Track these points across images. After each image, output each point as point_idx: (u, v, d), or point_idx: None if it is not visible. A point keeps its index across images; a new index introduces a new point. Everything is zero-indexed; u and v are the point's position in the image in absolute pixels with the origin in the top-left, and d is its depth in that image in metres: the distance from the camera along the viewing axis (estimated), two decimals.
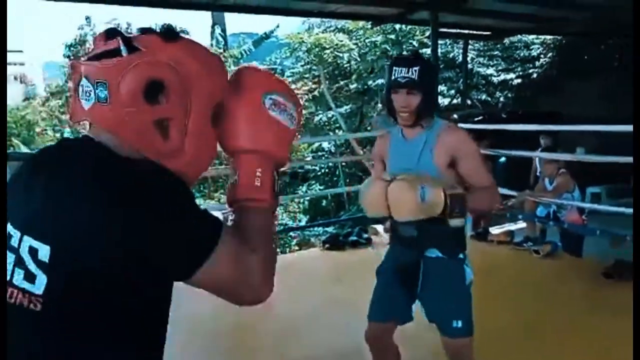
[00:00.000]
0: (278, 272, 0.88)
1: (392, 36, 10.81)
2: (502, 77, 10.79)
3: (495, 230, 4.91)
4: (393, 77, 1.76)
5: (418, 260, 1.82)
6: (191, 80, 0.80)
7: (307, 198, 9.59)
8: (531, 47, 10.98)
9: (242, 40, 12.99)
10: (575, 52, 10.45)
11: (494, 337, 2.69)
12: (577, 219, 4.48)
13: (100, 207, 0.73)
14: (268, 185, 0.89)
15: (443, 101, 9.38)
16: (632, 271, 3.51)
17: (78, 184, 0.76)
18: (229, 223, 0.93)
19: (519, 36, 10.42)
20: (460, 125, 4.97)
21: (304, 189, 10.02)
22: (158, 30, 0.82)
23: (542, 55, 10.92)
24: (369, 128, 9.89)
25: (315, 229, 8.05)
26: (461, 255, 1.83)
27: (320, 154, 10.75)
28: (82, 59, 0.81)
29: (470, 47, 9.63)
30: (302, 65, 11.92)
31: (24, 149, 9.56)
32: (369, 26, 9.81)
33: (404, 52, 10.76)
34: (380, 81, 10.20)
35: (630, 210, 5.57)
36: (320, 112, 11.39)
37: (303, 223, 8.99)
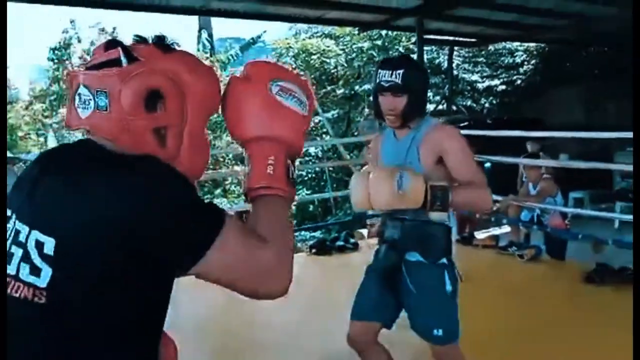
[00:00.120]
0: None
1: (379, 42, 10.89)
2: (487, 83, 10.92)
3: (480, 234, 4.96)
4: (378, 80, 1.76)
5: (399, 263, 1.79)
6: (187, 90, 0.83)
7: (294, 203, 9.57)
8: (515, 54, 11.13)
9: (229, 45, 12.98)
10: (558, 60, 10.63)
11: (478, 340, 2.71)
12: (560, 224, 4.56)
13: (102, 200, 0.75)
14: (282, 173, 0.87)
15: (429, 107, 9.45)
16: (612, 275, 3.58)
17: (81, 179, 0.78)
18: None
19: (503, 43, 10.57)
20: None
21: None
22: (152, 39, 0.85)
23: (525, 62, 11.08)
24: (355, 133, 9.94)
25: (302, 233, 8.04)
26: (444, 261, 1.79)
27: (307, 159, 10.75)
28: (81, 68, 0.84)
29: (455, 53, 9.74)
30: None
31: (7, 154, 9.41)
32: (356, 32, 9.88)
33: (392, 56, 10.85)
34: (367, 87, 10.25)
35: (611, 215, 5.68)
36: None
37: None
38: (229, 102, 0.90)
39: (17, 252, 0.78)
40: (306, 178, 10.34)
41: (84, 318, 0.75)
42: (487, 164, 6.40)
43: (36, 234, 0.77)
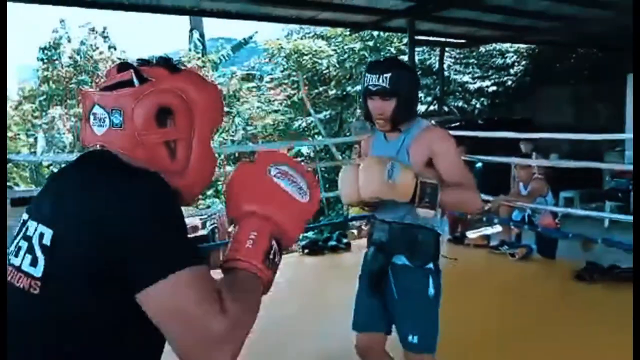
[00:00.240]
0: None
1: (370, 43, 10.91)
2: (478, 84, 10.98)
3: (471, 234, 4.99)
4: (366, 84, 1.75)
5: (386, 266, 1.78)
6: (194, 106, 0.90)
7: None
8: (506, 56, 11.21)
9: (221, 45, 12.95)
10: (548, 61, 10.72)
11: (470, 338, 2.73)
12: (550, 223, 4.60)
13: (95, 201, 0.80)
14: (261, 250, 0.86)
15: (420, 108, 9.49)
16: (602, 273, 3.62)
17: (85, 181, 0.85)
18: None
19: (494, 44, 10.64)
20: None
21: None
22: (157, 60, 0.93)
23: (516, 64, 11.16)
24: (347, 134, 9.96)
25: None
26: (430, 265, 1.76)
27: (299, 159, 10.76)
28: (95, 89, 0.92)
29: (446, 55, 9.79)
30: (281, 71, 11.93)
31: None
32: (348, 33, 9.89)
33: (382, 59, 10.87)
34: (358, 87, 10.26)
35: (601, 214, 5.74)
36: (299, 117, 11.41)
37: None
38: (231, 181, 0.94)
39: (24, 245, 0.84)
40: None
41: (72, 311, 0.79)
42: (479, 164, 6.45)
43: (41, 227, 0.83)
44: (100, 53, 11.27)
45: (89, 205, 0.80)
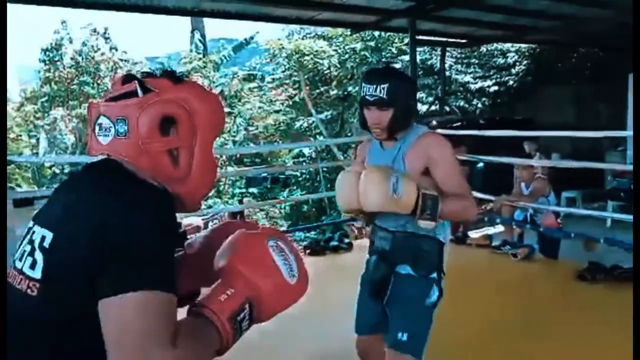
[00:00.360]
0: None
1: (372, 43, 10.91)
2: (480, 84, 10.97)
3: (474, 234, 4.99)
4: (363, 94, 1.73)
5: (389, 275, 1.76)
6: (196, 115, 0.93)
7: (288, 203, 9.57)
8: (507, 55, 11.20)
9: (222, 46, 12.96)
10: (549, 61, 10.71)
11: (471, 337, 2.73)
12: (552, 223, 4.59)
13: (92, 207, 0.83)
14: (231, 308, 0.85)
15: (422, 108, 9.49)
16: (604, 273, 3.62)
17: (87, 188, 0.89)
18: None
19: (495, 44, 10.63)
20: (439, 131, 5.04)
21: (285, 194, 10.01)
22: (161, 73, 0.97)
23: (517, 63, 11.14)
24: (349, 134, 9.96)
25: (297, 234, 8.04)
26: (434, 275, 1.75)
27: (301, 159, 10.76)
28: (101, 100, 0.95)
29: (448, 54, 9.78)
30: (282, 72, 11.93)
31: None
32: (348, 33, 9.89)
33: (383, 59, 10.87)
34: None
35: (603, 214, 5.73)
36: (300, 118, 11.41)
37: (284, 228, 8.97)
38: (232, 241, 0.94)
39: (27, 248, 0.87)
40: (300, 179, 10.35)
41: (70, 312, 0.80)
42: (480, 164, 6.44)
43: (43, 231, 0.86)
44: (102, 54, 11.29)
45: (91, 210, 0.82)
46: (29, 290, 0.82)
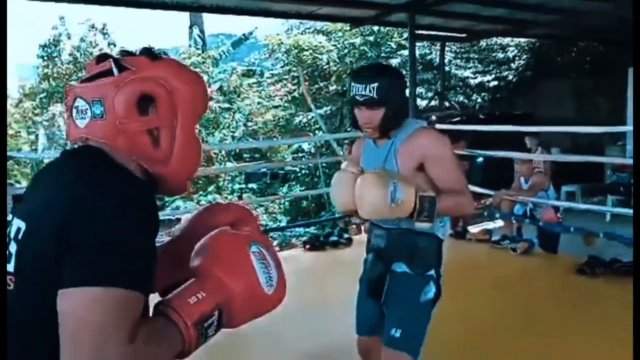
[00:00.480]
0: None
1: (371, 38, 10.87)
2: (479, 79, 10.95)
3: (473, 228, 4.99)
4: (352, 94, 1.69)
5: (385, 273, 1.74)
6: (176, 93, 0.89)
7: (288, 199, 9.57)
8: (507, 50, 11.17)
9: (221, 41, 12.91)
10: (548, 55, 10.69)
11: (472, 331, 2.73)
12: (552, 217, 4.59)
13: (62, 197, 0.80)
14: (199, 312, 0.80)
15: (421, 103, 9.46)
16: (603, 267, 3.62)
17: (58, 174, 0.86)
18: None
19: (495, 39, 10.60)
20: (439, 126, 5.04)
21: (285, 189, 10.00)
22: (139, 51, 0.91)
23: (517, 58, 11.12)
24: (348, 129, 9.93)
25: (296, 229, 8.04)
26: (431, 272, 1.72)
27: (300, 155, 10.75)
28: (76, 83, 0.91)
29: (447, 49, 9.75)
30: (281, 67, 11.89)
31: None
32: (348, 28, 9.86)
33: (382, 54, 10.84)
34: None
35: (602, 208, 5.73)
36: (300, 113, 11.39)
37: (284, 224, 8.98)
38: (210, 240, 0.89)
39: (7, 242, 0.84)
40: (299, 174, 10.34)
41: (43, 306, 0.76)
42: (480, 159, 6.44)
43: (18, 222, 0.83)
44: (100, 50, 11.25)
45: (60, 199, 0.79)
46: (8, 285, 0.80)
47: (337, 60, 11.07)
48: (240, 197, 9.29)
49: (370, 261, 1.82)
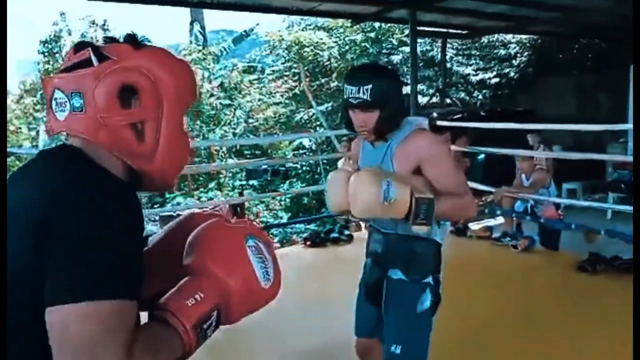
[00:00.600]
0: None
1: (372, 34, 10.85)
2: (480, 76, 10.93)
3: (474, 225, 4.99)
4: (346, 96, 1.63)
5: (382, 279, 1.71)
6: (161, 84, 0.83)
7: (289, 195, 9.57)
8: (508, 46, 11.14)
9: (222, 38, 12.88)
10: (550, 52, 10.66)
11: (473, 328, 2.74)
12: (553, 214, 4.59)
13: (38, 201, 0.74)
14: (197, 315, 0.77)
15: (422, 100, 9.45)
16: (604, 264, 3.62)
17: (35, 177, 0.80)
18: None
19: (496, 35, 10.58)
20: (440, 123, 5.03)
21: (286, 186, 10.00)
22: (123, 38, 0.85)
23: (518, 54, 11.10)
24: None
25: (297, 226, 8.05)
26: (428, 279, 1.67)
27: (301, 151, 10.74)
28: (54, 74, 0.85)
29: (448, 46, 9.73)
30: (282, 63, 11.88)
31: None
32: (349, 24, 9.84)
33: (384, 50, 10.81)
34: None
35: (604, 205, 5.73)
36: (301, 109, 11.38)
37: (285, 220, 8.98)
38: (204, 232, 0.85)
39: None
40: (300, 171, 10.34)
41: (20, 320, 0.74)
42: (481, 156, 6.43)
43: None
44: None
45: (36, 205, 0.74)
46: None
47: (338, 57, 11.05)
48: (241, 194, 9.29)
49: (368, 266, 1.81)
